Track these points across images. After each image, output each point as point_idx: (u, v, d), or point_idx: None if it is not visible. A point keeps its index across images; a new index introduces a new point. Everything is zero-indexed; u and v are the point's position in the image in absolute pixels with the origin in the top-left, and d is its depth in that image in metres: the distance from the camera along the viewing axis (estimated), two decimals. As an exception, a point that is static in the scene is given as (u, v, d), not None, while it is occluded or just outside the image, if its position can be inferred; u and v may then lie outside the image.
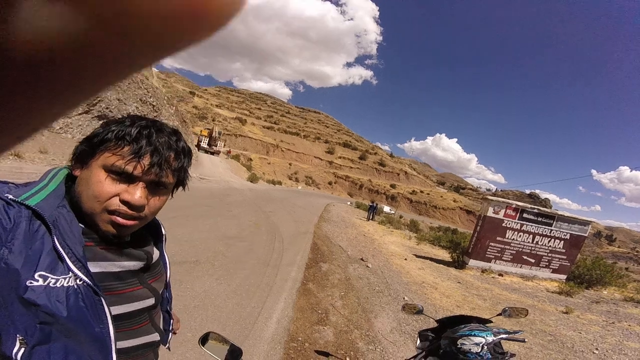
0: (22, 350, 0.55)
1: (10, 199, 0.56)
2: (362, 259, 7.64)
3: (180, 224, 6.35)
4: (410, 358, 2.19)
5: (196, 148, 27.58)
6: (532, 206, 9.61)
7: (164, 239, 0.90)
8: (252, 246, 6.37)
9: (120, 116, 0.70)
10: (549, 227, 9.29)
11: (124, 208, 0.62)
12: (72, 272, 0.58)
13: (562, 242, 9.35)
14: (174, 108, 21.51)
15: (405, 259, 9.14)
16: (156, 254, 0.82)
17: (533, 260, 9.29)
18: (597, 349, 3.89)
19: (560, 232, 9.34)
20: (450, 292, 6.21)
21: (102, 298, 0.62)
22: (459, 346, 1.68)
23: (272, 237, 7.76)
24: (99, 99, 12.42)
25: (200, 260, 4.68)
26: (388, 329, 3.89)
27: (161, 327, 0.88)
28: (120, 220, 0.63)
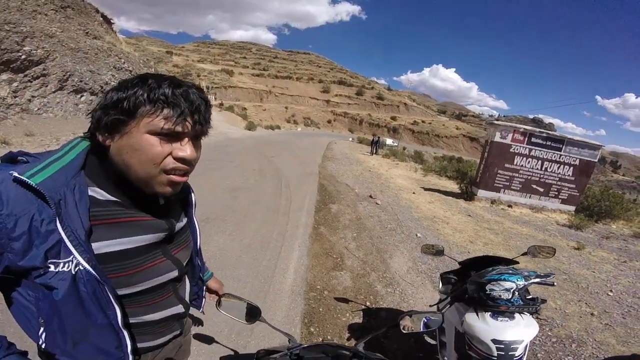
0: (42, 330, 0.63)
1: (14, 177, 0.55)
2: (370, 196, 7.61)
3: (183, 182, 6.14)
4: (436, 304, 2.13)
5: None
6: (541, 130, 9.23)
7: (193, 203, 0.91)
8: (259, 195, 6.27)
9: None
10: (558, 152, 8.96)
11: (179, 165, 0.65)
12: (74, 256, 0.58)
13: (572, 168, 9.05)
14: (153, 70, 20.69)
15: (414, 193, 9.14)
16: (182, 221, 0.83)
17: (542, 190, 9.15)
18: (611, 290, 3.84)
19: (570, 157, 9.01)
20: (462, 226, 6.23)
21: (105, 285, 0.62)
22: (487, 292, 1.55)
23: (277, 182, 7.66)
24: (68, 73, 12.10)
25: (210, 218, 4.60)
26: (404, 269, 3.92)
27: (187, 298, 0.89)
28: (177, 178, 0.66)
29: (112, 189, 0.66)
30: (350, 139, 40.03)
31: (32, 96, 10.84)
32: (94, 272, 0.59)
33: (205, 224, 4.36)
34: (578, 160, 9.05)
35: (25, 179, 0.55)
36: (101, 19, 17.08)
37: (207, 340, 2.13)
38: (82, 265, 0.58)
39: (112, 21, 18.65)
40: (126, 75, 15.31)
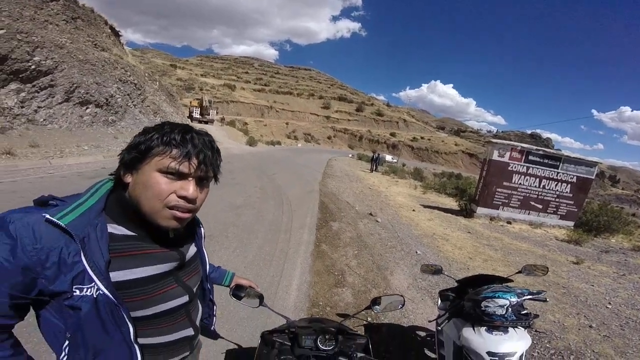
0: (66, 343, 0.72)
1: (47, 218, 0.66)
2: (370, 214, 7.69)
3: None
4: (435, 319, 2.23)
5: (189, 119, 27.27)
6: (538, 148, 9.31)
7: (203, 236, 1.04)
8: (261, 212, 6.38)
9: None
10: (556, 170, 9.07)
11: (182, 202, 0.74)
12: (95, 283, 0.68)
13: (569, 185, 9.15)
14: (157, 83, 20.88)
15: (414, 210, 9.21)
16: (192, 251, 0.93)
17: (540, 206, 9.22)
18: (610, 303, 3.91)
19: (567, 174, 9.11)
20: (461, 243, 6.29)
21: (120, 307, 0.72)
22: (483, 308, 1.67)
23: (279, 200, 7.77)
24: (75, 85, 12.11)
25: (213, 235, 4.69)
26: (405, 285, 3.98)
27: (197, 322, 0.98)
28: (179, 214, 0.74)
29: (129, 225, 0.76)
30: (350, 156, 40.34)
31: (39, 107, 10.75)
32: (111, 296, 0.70)
33: (209, 240, 4.44)
34: (575, 177, 9.15)
35: (56, 220, 0.67)
36: (109, 30, 17.04)
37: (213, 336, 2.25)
38: (101, 290, 0.69)
39: (119, 33, 18.59)
40: (131, 88, 15.56)
